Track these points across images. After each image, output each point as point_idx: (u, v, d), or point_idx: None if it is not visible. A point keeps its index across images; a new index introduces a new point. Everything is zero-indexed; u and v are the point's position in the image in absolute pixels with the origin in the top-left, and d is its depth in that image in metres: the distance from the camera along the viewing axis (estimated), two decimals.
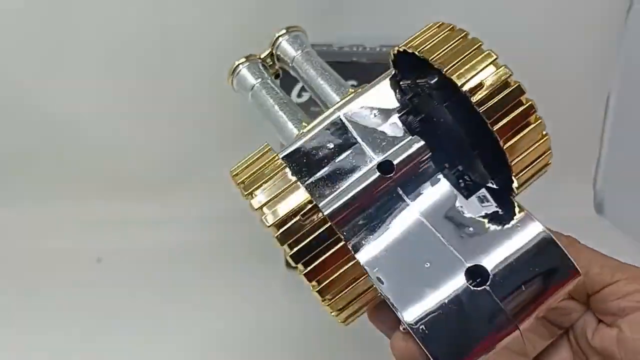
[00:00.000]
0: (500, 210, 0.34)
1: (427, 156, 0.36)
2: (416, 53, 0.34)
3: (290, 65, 0.46)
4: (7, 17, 0.70)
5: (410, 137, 0.36)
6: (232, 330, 0.59)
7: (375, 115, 0.38)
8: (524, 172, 0.34)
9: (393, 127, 0.37)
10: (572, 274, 0.32)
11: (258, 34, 0.69)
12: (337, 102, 0.39)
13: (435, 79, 0.34)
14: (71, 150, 0.76)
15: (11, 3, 0.69)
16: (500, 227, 0.34)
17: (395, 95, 0.38)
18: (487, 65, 0.33)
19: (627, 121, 0.74)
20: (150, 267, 0.69)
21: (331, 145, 0.37)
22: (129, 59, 0.72)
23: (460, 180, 0.36)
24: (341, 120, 0.37)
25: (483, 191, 0.35)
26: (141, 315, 0.61)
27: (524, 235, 0.33)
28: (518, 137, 0.33)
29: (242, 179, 0.35)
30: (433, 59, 0.33)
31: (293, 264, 0.32)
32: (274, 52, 0.47)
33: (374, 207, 0.35)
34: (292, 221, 0.32)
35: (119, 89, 0.74)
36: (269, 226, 0.32)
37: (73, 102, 0.74)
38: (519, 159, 0.33)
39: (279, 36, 0.47)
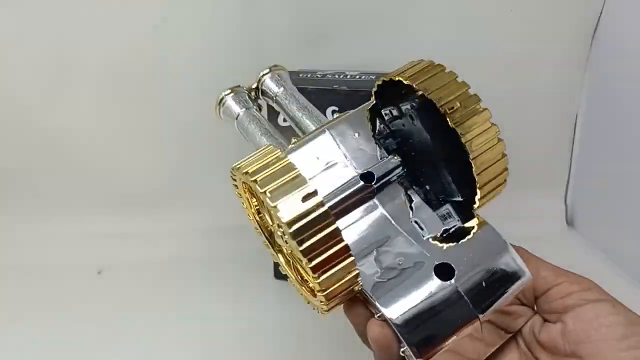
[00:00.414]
0: (463, 221, 0.39)
1: (401, 172, 0.41)
2: (402, 79, 0.39)
3: (273, 99, 0.51)
4: (10, 39, 0.72)
5: (388, 155, 0.41)
6: (228, 338, 0.60)
7: (357, 135, 0.42)
8: (486, 184, 0.38)
9: (372, 147, 0.42)
10: (524, 276, 0.37)
11: (247, 59, 0.74)
12: (326, 122, 0.44)
13: (417, 100, 0.39)
14: (72, 168, 0.78)
15: (14, 26, 0.72)
16: (463, 235, 0.38)
17: (376, 120, 0.43)
18: (462, 92, 0.38)
19: (594, 139, 0.77)
20: (148, 279, 0.70)
21: (319, 157, 0.41)
22: (126, 83, 0.75)
23: (429, 198, 0.41)
24: (328, 135, 0.42)
25: (447, 207, 0.40)
26: (141, 325, 0.62)
27: (484, 242, 0.38)
28: (483, 151, 0.38)
29: (255, 176, 0.35)
30: (417, 83, 0.38)
31: (303, 259, 0.33)
32: (259, 86, 0.52)
33: (355, 212, 0.40)
34: (306, 220, 0.33)
35: (116, 111, 0.76)
36: (285, 222, 0.33)
37: (72, 122, 0.76)
38: (483, 171, 0.38)
39: (264, 74, 0.52)
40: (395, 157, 0.42)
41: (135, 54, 0.74)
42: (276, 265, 0.69)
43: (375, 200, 0.40)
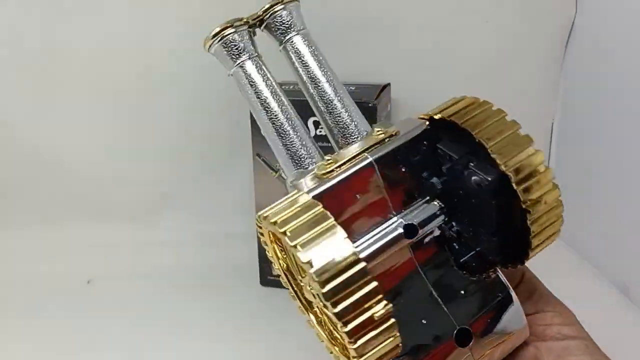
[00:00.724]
0: (489, 284, 0.37)
1: (441, 221, 0.37)
2: (458, 124, 0.35)
3: (282, 43, 0.43)
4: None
5: (429, 197, 0.37)
6: (215, 344, 0.61)
7: (403, 170, 0.37)
8: (539, 245, 0.36)
9: (414, 181, 0.37)
10: (523, 333, 0.38)
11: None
12: (369, 146, 0.37)
13: (493, 178, 0.34)
14: (61, 177, 0.78)
15: (1, 37, 0.73)
16: (488, 300, 0.37)
17: (426, 152, 0.37)
18: (542, 178, 0.34)
19: (571, 146, 0.78)
20: (138, 288, 0.70)
21: (359, 196, 0.35)
22: (114, 94, 0.76)
23: (460, 238, 0.38)
24: (373, 166, 0.36)
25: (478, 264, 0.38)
26: (130, 334, 0.62)
27: (503, 311, 0.37)
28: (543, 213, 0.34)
29: (284, 227, 0.31)
30: (478, 133, 0.35)
31: (338, 322, 0.30)
32: (264, 18, 0.43)
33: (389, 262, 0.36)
34: (341, 278, 0.29)
35: (105, 121, 0.77)
36: (318, 281, 0.29)
37: (60, 133, 0.77)
38: (539, 233, 0.35)
39: (274, 4, 0.42)
40: (436, 202, 0.37)
41: (124, 65, 0.75)
42: (262, 272, 0.70)
43: (409, 251, 0.36)
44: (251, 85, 0.41)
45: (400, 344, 0.31)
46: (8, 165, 0.78)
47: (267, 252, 0.37)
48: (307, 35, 0.43)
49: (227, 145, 0.79)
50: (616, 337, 0.60)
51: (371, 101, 0.62)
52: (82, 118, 0.77)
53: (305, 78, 0.42)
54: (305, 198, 0.32)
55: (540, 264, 0.75)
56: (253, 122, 0.65)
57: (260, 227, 0.35)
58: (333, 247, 0.29)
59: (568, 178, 0.80)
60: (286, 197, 0.33)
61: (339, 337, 0.34)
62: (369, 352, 0.30)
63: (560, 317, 0.39)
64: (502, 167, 0.33)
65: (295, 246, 0.30)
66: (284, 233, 0.30)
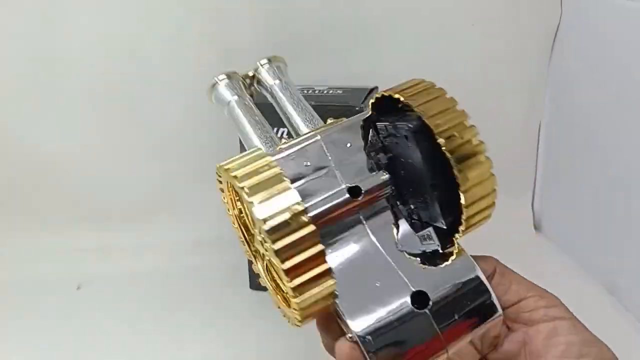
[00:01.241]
0: (442, 248, 0.39)
1: (390, 190, 0.40)
2: (401, 97, 0.38)
3: (268, 90, 0.50)
4: None
5: (378, 170, 0.40)
6: (206, 348, 0.61)
7: (349, 146, 0.41)
8: (472, 217, 0.38)
9: (363, 159, 0.41)
10: (496, 313, 0.38)
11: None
12: (319, 126, 0.43)
13: (414, 123, 0.37)
14: (52, 182, 0.78)
15: None
16: (442, 263, 0.38)
17: (370, 133, 0.42)
18: (460, 122, 0.37)
19: (558, 146, 0.79)
20: (127, 293, 0.70)
21: (308, 163, 0.39)
22: (106, 97, 0.76)
23: (412, 218, 0.40)
24: (320, 142, 0.40)
25: (429, 230, 0.40)
26: (120, 339, 0.62)
27: (461, 274, 0.38)
28: (475, 184, 0.37)
29: (242, 182, 0.34)
30: (417, 105, 0.37)
31: (276, 260, 0.33)
32: (255, 75, 0.51)
33: (339, 225, 0.38)
34: (282, 218, 0.33)
35: (97, 125, 0.77)
36: (261, 218, 0.32)
37: (52, 137, 0.77)
38: (471, 204, 0.37)
39: (263, 64, 0.51)
40: (385, 174, 0.40)
41: (117, 69, 0.75)
42: (252, 276, 0.70)
43: (360, 215, 0.39)
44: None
45: (337, 292, 0.35)
46: None
47: (222, 199, 0.41)
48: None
49: (218, 149, 0.78)
50: (603, 337, 0.61)
51: (358, 105, 0.62)
52: (73, 121, 0.77)
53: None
54: (262, 155, 0.36)
55: (527, 263, 0.75)
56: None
57: (220, 177, 0.39)
58: (281, 197, 0.33)
59: (555, 177, 0.81)
60: (247, 152, 0.37)
61: (280, 282, 0.37)
62: (305, 292, 0.33)
63: (544, 300, 0.40)
64: (432, 125, 0.36)
65: (251, 202, 0.33)
66: (242, 188, 0.34)
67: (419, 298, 0.37)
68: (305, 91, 0.67)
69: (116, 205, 0.80)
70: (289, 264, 0.32)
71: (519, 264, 0.82)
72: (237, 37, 0.75)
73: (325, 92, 0.67)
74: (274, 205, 0.33)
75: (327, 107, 0.63)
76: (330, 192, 0.39)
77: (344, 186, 0.39)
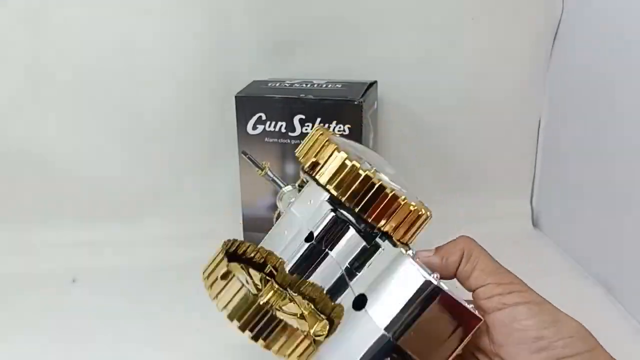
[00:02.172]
0: (390, 260, 0.40)
1: (340, 222, 0.43)
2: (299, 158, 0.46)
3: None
4: None
5: (327, 212, 0.44)
6: (200, 343, 0.61)
7: (310, 202, 0.45)
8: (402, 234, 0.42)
9: (323, 207, 0.44)
10: (475, 321, 0.37)
11: (216, 69, 0.76)
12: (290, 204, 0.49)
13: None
14: (46, 176, 0.78)
15: None
16: (389, 273, 0.39)
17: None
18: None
19: (557, 142, 0.79)
20: (123, 287, 0.70)
21: (287, 231, 0.46)
22: (98, 91, 0.76)
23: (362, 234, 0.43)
24: (292, 212, 0.47)
25: (379, 241, 0.42)
26: (114, 333, 0.62)
27: (405, 281, 0.38)
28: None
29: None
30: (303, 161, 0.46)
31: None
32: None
33: (314, 263, 0.43)
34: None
35: (89, 119, 0.77)
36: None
37: (44, 130, 0.76)
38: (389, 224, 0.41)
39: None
40: (331, 213, 0.43)
41: (107, 63, 0.75)
42: None
43: (324, 248, 0.44)
44: None
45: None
46: None
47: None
48: None
49: (213, 143, 0.79)
50: (600, 335, 0.61)
51: (357, 99, 0.62)
52: (66, 117, 0.77)
53: None
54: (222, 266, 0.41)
55: (525, 260, 0.75)
56: (239, 120, 0.65)
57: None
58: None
59: (554, 176, 0.81)
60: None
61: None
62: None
63: (500, 287, 0.39)
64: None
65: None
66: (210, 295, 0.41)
67: (359, 301, 0.39)
68: (304, 85, 0.67)
69: (110, 200, 0.80)
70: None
71: (517, 261, 0.81)
72: (234, 31, 0.75)
73: (324, 85, 0.67)
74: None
75: (325, 101, 0.63)
76: (299, 247, 0.44)
77: (302, 238, 0.44)
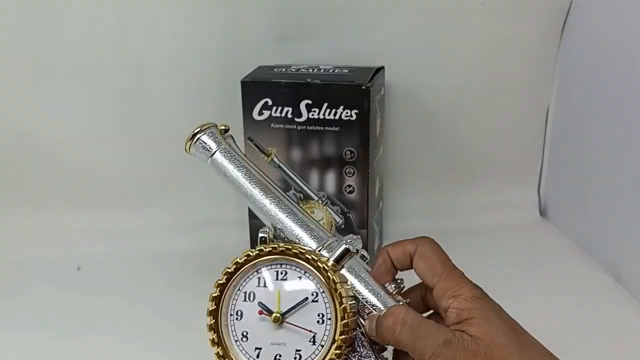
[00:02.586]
0: None
1: None
2: None
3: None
4: None
5: None
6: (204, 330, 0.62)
7: None
8: None
9: None
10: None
11: (223, 55, 0.75)
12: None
13: None
14: (51, 164, 0.78)
15: None
16: None
17: None
18: None
19: (566, 131, 0.78)
20: (127, 274, 0.70)
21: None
22: (104, 77, 0.75)
23: None
24: None
25: None
26: (119, 320, 0.62)
27: None
28: None
29: None
30: None
31: None
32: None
33: None
34: None
35: (95, 107, 0.77)
36: None
37: (50, 118, 0.76)
38: None
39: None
40: None
41: (114, 51, 0.74)
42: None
43: None
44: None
45: None
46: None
47: None
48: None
49: None
50: (609, 323, 0.61)
51: (364, 83, 0.61)
52: (73, 104, 0.76)
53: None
54: None
55: (532, 249, 0.75)
56: (245, 106, 0.65)
57: None
58: None
59: (562, 162, 0.80)
60: None
61: None
62: None
63: (450, 284, 0.39)
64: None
65: None
66: None
67: None
68: (311, 70, 0.67)
69: (115, 188, 0.80)
70: None
71: (524, 250, 0.81)
72: (241, 17, 0.74)
73: (331, 70, 0.66)
74: None
75: (332, 86, 0.62)
76: None
77: None
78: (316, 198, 0.67)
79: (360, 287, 0.41)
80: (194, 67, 0.75)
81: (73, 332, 0.61)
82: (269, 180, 0.47)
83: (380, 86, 0.68)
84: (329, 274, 0.39)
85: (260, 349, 0.40)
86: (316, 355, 0.39)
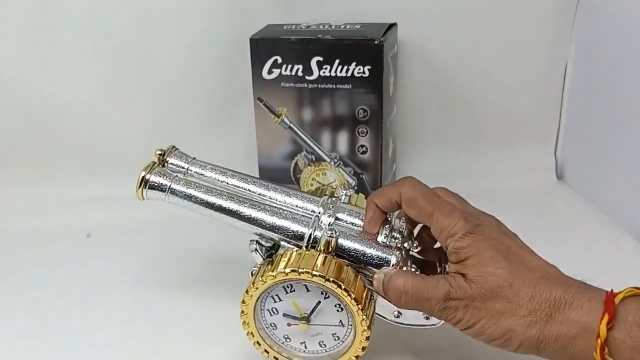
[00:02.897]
0: None
1: None
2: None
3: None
4: None
5: None
6: (219, 295, 0.60)
7: None
8: None
9: None
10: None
11: (231, 16, 0.73)
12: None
13: None
14: (60, 133, 0.77)
15: None
16: None
17: None
18: None
19: (583, 92, 0.77)
20: (136, 241, 0.70)
21: None
22: (110, 45, 0.74)
23: None
24: None
25: None
26: (128, 287, 0.62)
27: None
28: None
29: None
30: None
31: None
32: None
33: None
34: None
35: (106, 74, 0.76)
36: None
37: (58, 86, 0.76)
38: None
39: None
40: None
41: (121, 15, 0.73)
42: None
43: None
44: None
45: None
46: (6, 121, 0.77)
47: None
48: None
49: (228, 90, 0.77)
50: (630, 283, 0.59)
51: (377, 38, 0.59)
52: (79, 71, 0.75)
53: None
54: None
55: (549, 211, 0.73)
56: (254, 64, 0.63)
57: None
58: None
59: (580, 125, 0.79)
60: None
61: None
62: None
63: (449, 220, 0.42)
64: None
65: None
66: None
67: None
68: (322, 26, 0.65)
69: (124, 155, 0.79)
70: None
71: (541, 212, 0.79)
72: None
73: (342, 27, 0.65)
74: None
75: (344, 41, 0.60)
76: None
77: None
78: (328, 160, 0.66)
79: (356, 248, 0.44)
80: (202, 29, 0.74)
81: (81, 299, 0.60)
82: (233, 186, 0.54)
83: (393, 43, 0.66)
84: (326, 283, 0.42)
85: (304, 342, 0.46)
86: (349, 333, 0.44)
